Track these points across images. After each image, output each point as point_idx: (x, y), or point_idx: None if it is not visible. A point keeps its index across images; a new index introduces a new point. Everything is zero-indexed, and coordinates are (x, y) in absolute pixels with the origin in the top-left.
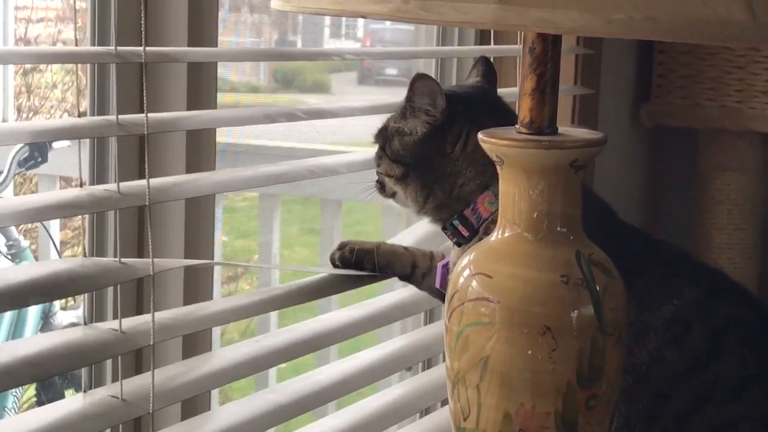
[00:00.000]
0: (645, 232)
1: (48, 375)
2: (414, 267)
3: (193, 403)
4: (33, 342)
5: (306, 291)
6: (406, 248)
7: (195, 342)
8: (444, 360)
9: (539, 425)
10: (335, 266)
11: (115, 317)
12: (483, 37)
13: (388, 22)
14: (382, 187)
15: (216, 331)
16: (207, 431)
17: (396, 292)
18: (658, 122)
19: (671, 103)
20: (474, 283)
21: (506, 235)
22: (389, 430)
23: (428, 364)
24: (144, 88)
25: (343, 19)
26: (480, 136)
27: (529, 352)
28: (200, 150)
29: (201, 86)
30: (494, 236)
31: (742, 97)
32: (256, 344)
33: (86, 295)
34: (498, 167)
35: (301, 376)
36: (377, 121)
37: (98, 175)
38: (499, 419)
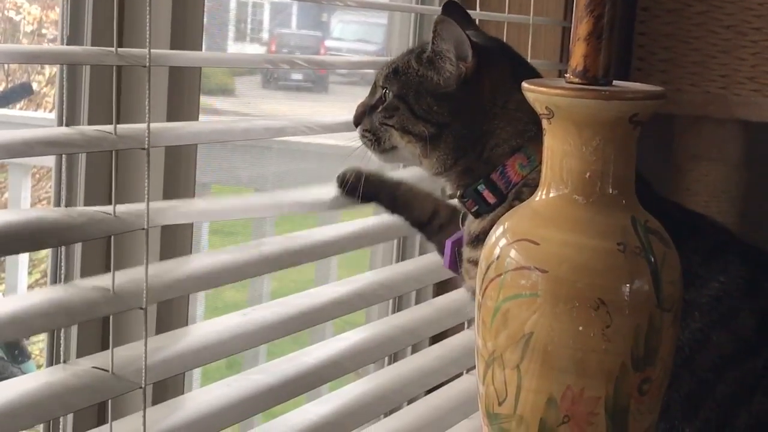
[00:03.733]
0: (681, 204)
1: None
2: (434, 215)
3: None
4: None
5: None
6: (428, 192)
7: (169, 318)
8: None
9: (587, 411)
10: (340, 189)
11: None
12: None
13: (294, 26)
14: (377, 139)
15: None
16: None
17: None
18: None
19: None
20: (516, 251)
21: (551, 196)
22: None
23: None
24: (148, 90)
25: (248, 22)
26: (526, 85)
27: (580, 328)
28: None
29: (183, 88)
30: (537, 198)
31: (726, 83)
32: (243, 317)
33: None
34: (545, 121)
35: (288, 357)
36: None
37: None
38: (541, 403)
